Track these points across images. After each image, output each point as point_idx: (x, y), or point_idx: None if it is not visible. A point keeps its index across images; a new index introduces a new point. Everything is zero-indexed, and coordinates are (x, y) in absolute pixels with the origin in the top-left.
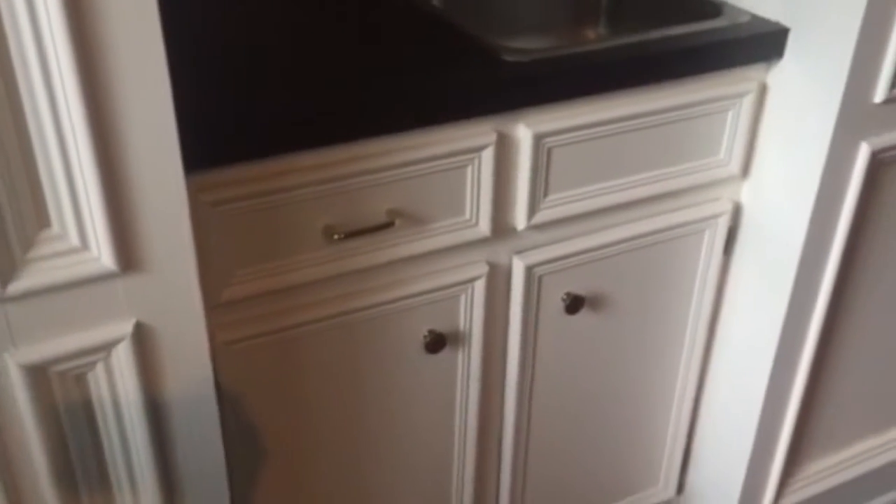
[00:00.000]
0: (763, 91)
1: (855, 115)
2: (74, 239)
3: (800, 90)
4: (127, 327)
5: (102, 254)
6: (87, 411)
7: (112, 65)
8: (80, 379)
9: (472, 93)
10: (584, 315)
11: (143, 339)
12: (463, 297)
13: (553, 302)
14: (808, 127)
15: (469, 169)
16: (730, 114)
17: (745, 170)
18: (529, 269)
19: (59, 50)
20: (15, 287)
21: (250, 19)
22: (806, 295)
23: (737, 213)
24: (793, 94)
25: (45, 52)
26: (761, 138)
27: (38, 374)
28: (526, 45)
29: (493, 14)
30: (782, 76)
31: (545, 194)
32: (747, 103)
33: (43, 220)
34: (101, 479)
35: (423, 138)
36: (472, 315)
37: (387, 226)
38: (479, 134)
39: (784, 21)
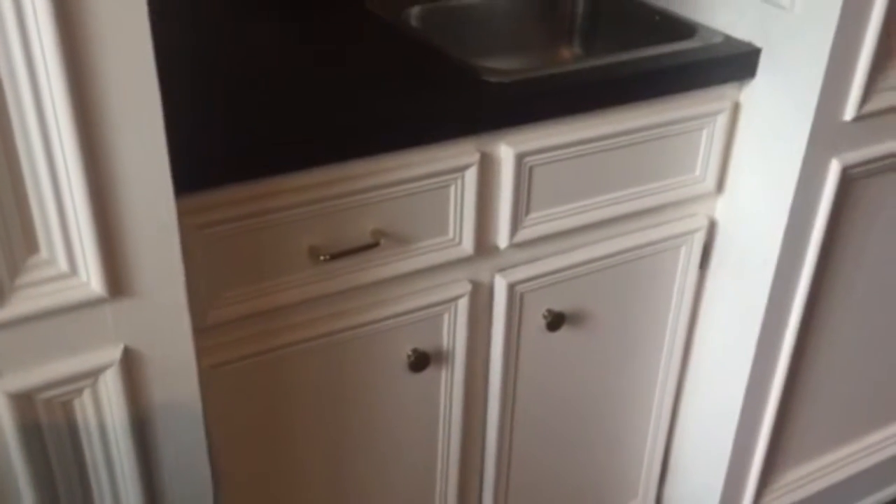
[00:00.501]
0: (736, 109)
1: (826, 133)
2: (63, 264)
3: (772, 108)
4: (115, 353)
5: (91, 279)
6: (72, 438)
7: (104, 89)
8: (67, 405)
9: (454, 113)
10: (564, 331)
11: (130, 365)
12: (446, 316)
13: (534, 319)
14: (781, 144)
15: (452, 189)
16: (704, 132)
17: (720, 186)
18: (511, 287)
19: (51, 73)
20: (3, 315)
21: (234, 43)
22: (780, 308)
23: (712, 228)
24: (765, 112)
25: (37, 75)
26: (735, 155)
27: (23, 402)
28: (504, 66)
29: (469, 35)
30: (755, 95)
31: (527, 213)
32: (721, 121)
33: (31, 246)
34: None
35: (407, 159)
36: (455, 333)
37: (372, 246)
38: (461, 154)
39: (756, 41)
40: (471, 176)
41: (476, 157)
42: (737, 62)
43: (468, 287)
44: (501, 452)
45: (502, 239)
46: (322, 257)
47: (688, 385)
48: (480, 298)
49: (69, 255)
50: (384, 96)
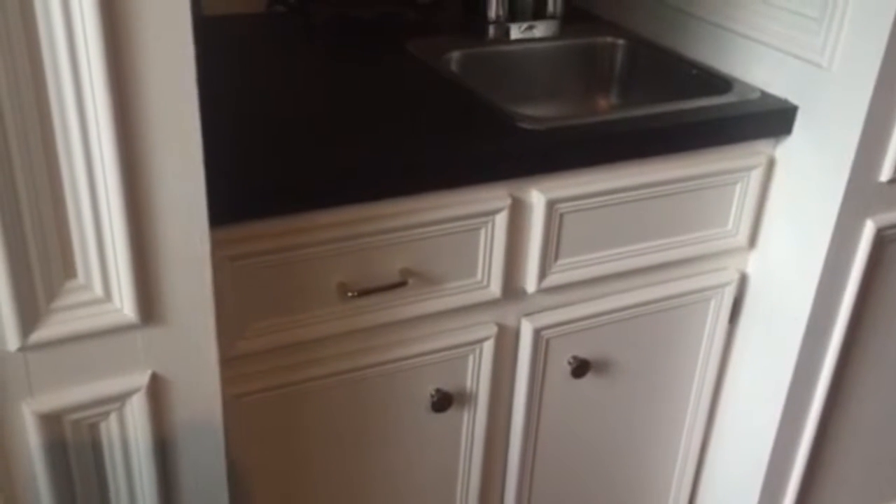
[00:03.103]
0: (771, 165)
1: (861, 193)
2: (98, 290)
3: (807, 166)
4: (143, 378)
5: (125, 305)
6: (97, 459)
7: (146, 121)
8: (94, 428)
9: (488, 158)
10: (589, 379)
11: (157, 391)
12: (471, 358)
13: (559, 365)
14: (815, 202)
15: (482, 231)
16: (738, 186)
17: (752, 241)
18: (537, 332)
19: (98, 103)
20: (37, 336)
21: (276, 81)
22: (810, 367)
23: (743, 283)
24: (800, 169)
25: (84, 105)
26: (768, 211)
27: (52, 423)
28: (540, 113)
29: (507, 81)
30: (790, 152)
31: (556, 258)
32: (755, 177)
33: (69, 271)
34: None
35: (439, 200)
36: (479, 375)
37: (400, 285)
38: (493, 198)
39: (793, 99)
40: (501, 220)
41: (507, 201)
42: (773, 118)
43: (494, 330)
44: (521, 495)
45: (530, 283)
46: (350, 294)
47: (713, 440)
48: (506, 342)
49: (104, 281)
50: (420, 138)
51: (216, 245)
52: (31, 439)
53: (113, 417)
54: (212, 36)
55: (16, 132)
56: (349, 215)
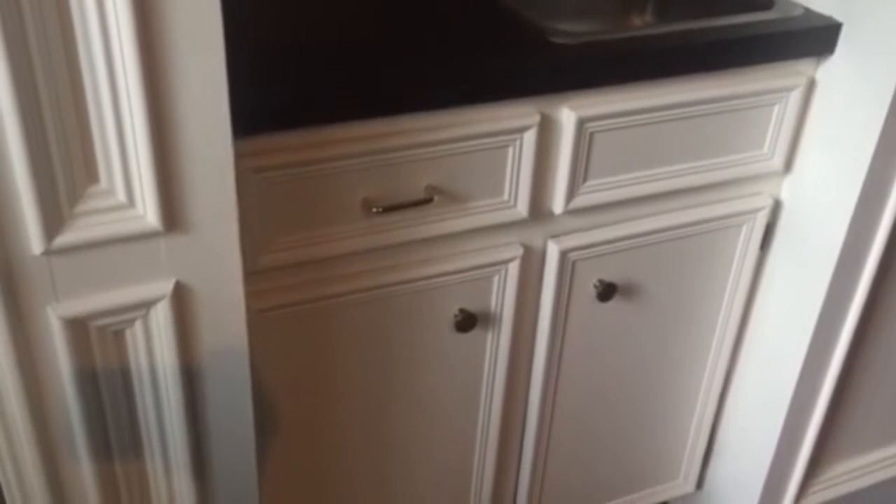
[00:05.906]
0: (811, 86)
1: None
2: (121, 195)
3: (849, 87)
4: (167, 286)
5: (148, 212)
6: (123, 369)
7: (169, 25)
8: (119, 335)
9: (518, 73)
10: (615, 303)
11: (181, 299)
12: (496, 278)
13: (585, 288)
14: (855, 125)
15: (510, 149)
16: (776, 108)
17: (788, 165)
18: (564, 254)
19: (119, 7)
20: (61, 241)
21: None
22: (841, 295)
23: (776, 209)
24: (841, 91)
25: (105, 10)
26: (806, 134)
27: (78, 328)
28: (573, 28)
29: None
30: (832, 72)
31: (584, 179)
32: (794, 98)
33: (92, 176)
34: (134, 440)
35: (467, 116)
36: (503, 296)
37: (425, 202)
38: (522, 115)
39: (837, 16)
40: (530, 138)
41: (536, 118)
42: (815, 37)
43: (520, 251)
44: (543, 418)
45: (558, 204)
46: (375, 209)
47: (739, 366)
48: (532, 263)
49: (127, 187)
50: (448, 51)
51: (240, 157)
52: (58, 345)
53: (138, 325)
54: None
55: (36, 36)
56: (374, 129)
